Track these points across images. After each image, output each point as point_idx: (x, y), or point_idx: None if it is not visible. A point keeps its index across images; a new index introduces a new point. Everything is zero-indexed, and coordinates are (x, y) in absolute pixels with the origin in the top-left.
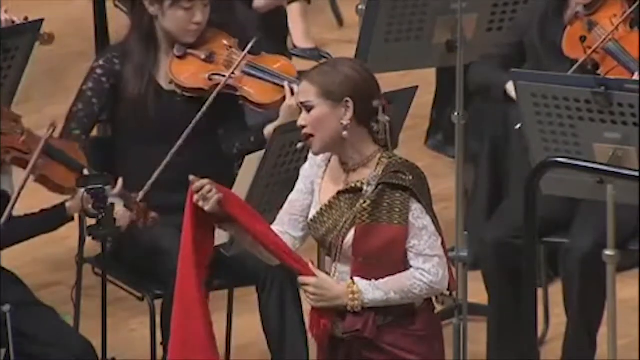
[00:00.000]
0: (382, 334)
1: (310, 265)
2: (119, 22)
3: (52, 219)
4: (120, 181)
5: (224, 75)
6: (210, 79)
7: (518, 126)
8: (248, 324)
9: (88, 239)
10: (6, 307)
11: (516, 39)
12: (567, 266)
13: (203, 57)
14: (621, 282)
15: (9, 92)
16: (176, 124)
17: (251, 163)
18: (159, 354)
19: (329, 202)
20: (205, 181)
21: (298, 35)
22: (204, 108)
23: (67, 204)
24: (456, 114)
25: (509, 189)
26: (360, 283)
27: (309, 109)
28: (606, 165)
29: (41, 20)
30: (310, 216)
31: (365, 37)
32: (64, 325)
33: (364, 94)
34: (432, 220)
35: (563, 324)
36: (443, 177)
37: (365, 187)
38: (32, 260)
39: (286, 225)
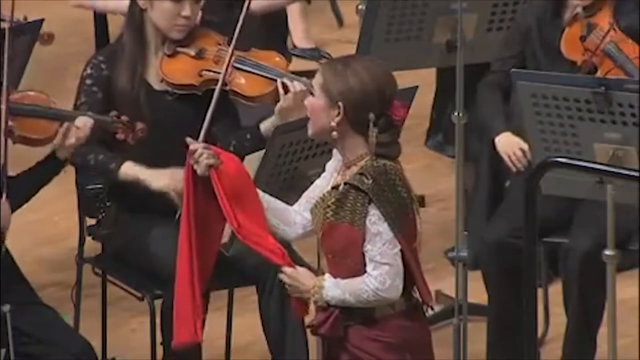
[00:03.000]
0: (348, 335)
1: (287, 257)
2: (119, 22)
3: (48, 167)
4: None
5: (214, 71)
6: (200, 75)
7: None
8: (248, 324)
9: (88, 239)
10: (6, 307)
11: (519, 49)
12: (567, 266)
13: (193, 53)
14: (621, 282)
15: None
16: (169, 124)
17: (251, 163)
18: (159, 354)
19: (323, 195)
20: (200, 144)
21: (298, 35)
22: (210, 110)
23: (57, 150)
24: (456, 114)
25: (509, 189)
26: (328, 280)
27: (313, 95)
28: (606, 165)
29: (41, 20)
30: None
31: (365, 37)
32: (64, 325)
33: (359, 104)
34: (391, 229)
35: (563, 324)
36: (443, 177)
37: (341, 185)
38: (32, 260)
39: (302, 207)
